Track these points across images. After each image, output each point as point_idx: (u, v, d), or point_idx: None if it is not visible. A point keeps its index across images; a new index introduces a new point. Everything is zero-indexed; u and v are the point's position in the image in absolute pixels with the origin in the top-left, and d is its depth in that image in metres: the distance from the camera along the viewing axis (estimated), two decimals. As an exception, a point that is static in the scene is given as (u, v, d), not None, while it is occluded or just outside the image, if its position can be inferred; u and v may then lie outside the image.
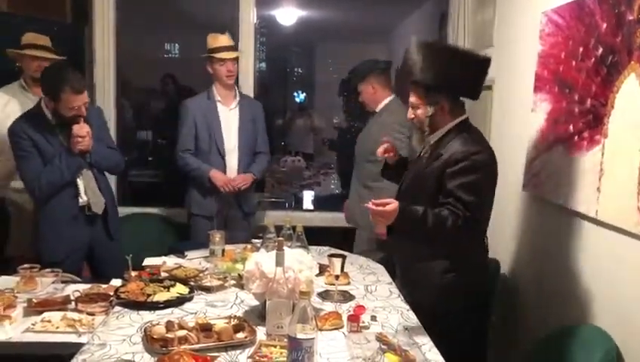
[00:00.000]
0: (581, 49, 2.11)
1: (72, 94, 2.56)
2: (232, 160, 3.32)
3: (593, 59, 2.02)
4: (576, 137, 2.12)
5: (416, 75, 2.18)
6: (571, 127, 2.16)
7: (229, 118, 3.34)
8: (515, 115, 2.77)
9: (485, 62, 2.24)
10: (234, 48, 3.34)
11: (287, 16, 6.41)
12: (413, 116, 2.26)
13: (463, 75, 2.16)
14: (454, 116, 2.21)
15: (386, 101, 3.27)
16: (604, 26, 1.96)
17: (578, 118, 2.11)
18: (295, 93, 8.72)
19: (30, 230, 3.15)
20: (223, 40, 3.29)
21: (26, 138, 2.63)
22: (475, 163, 2.08)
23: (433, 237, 2.09)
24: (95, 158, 2.76)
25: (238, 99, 3.39)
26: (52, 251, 2.71)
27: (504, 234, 2.89)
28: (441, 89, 2.16)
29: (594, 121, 2.00)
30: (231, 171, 3.32)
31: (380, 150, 2.51)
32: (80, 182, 2.73)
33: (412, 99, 2.24)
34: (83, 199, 2.74)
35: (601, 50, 1.98)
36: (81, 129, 2.62)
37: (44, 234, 2.76)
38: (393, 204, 1.95)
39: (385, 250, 2.96)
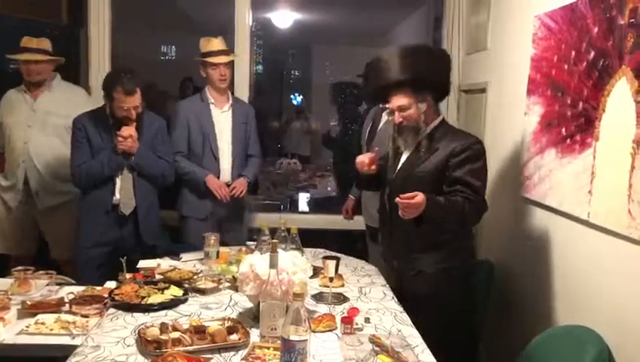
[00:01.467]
0: (573, 53, 2.13)
1: (122, 94, 2.73)
2: (226, 163, 3.29)
3: (585, 63, 2.04)
4: (568, 140, 2.14)
5: (401, 77, 2.26)
6: (563, 130, 2.18)
7: (222, 121, 3.31)
8: (509, 118, 2.78)
9: (448, 57, 2.45)
10: (227, 52, 3.29)
11: (284, 18, 6.42)
12: (401, 119, 2.31)
13: (439, 71, 2.32)
14: (436, 114, 2.36)
15: None
16: (596, 30, 1.97)
17: (570, 121, 2.13)
18: (292, 96, 8.73)
19: (14, 228, 3.29)
20: (216, 44, 3.24)
21: (81, 130, 2.85)
22: (477, 152, 2.24)
23: (455, 222, 2.24)
24: (137, 161, 2.87)
25: (230, 102, 3.35)
26: (81, 237, 2.93)
27: (497, 235, 2.90)
28: (426, 85, 2.28)
29: (585, 124, 2.01)
30: (224, 174, 3.28)
31: (366, 161, 2.39)
32: (118, 181, 2.88)
33: (400, 102, 2.29)
34: (116, 197, 2.88)
35: (592, 54, 1.99)
36: (126, 130, 2.78)
37: (79, 221, 2.97)
38: (420, 196, 2.06)
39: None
